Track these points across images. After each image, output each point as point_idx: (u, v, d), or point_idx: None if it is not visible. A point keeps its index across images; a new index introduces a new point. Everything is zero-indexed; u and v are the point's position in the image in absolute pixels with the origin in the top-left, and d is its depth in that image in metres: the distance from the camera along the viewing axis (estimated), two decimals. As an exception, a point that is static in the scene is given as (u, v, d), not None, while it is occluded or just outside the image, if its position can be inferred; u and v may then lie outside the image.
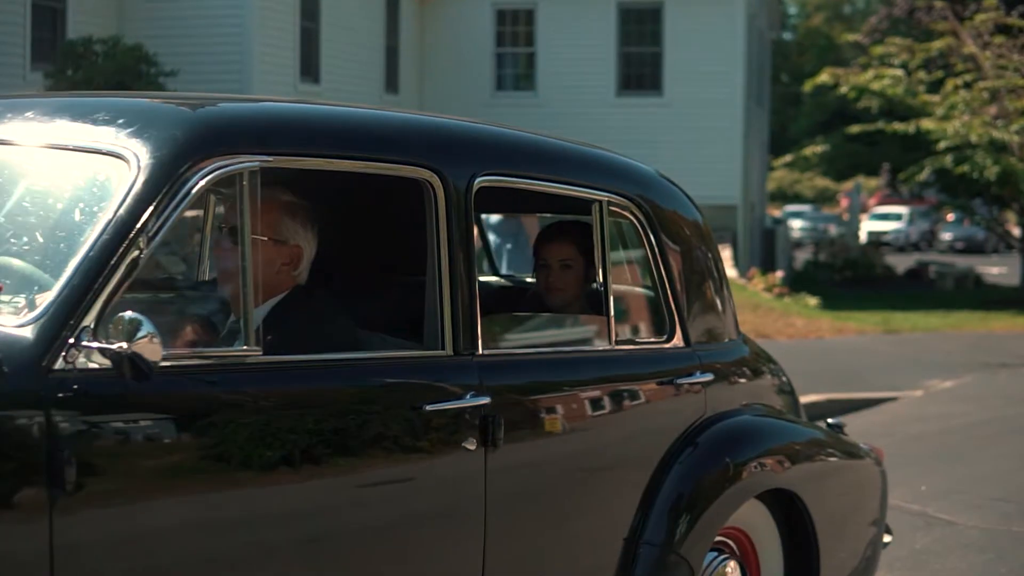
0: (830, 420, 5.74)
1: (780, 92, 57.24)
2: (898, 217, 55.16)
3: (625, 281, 4.92)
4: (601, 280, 4.45)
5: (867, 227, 50.97)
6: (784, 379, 5.64)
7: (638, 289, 4.91)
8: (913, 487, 9.24)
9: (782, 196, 61.51)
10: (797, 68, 66.40)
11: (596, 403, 4.33)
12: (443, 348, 3.87)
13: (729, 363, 5.09)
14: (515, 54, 27.79)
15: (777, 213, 50.35)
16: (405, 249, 4.54)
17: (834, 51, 62.96)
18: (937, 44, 26.39)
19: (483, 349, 3.96)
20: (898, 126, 26.35)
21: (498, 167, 4.12)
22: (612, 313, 4.43)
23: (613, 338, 4.44)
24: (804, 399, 12.95)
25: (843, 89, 27.25)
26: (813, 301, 24.70)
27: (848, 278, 33.59)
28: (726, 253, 25.62)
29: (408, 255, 4.41)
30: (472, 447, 3.79)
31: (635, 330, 4.88)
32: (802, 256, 39.16)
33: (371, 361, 3.79)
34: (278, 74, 21.95)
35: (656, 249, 4.69)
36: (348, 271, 4.92)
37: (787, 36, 64.55)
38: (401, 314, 4.22)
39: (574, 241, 4.92)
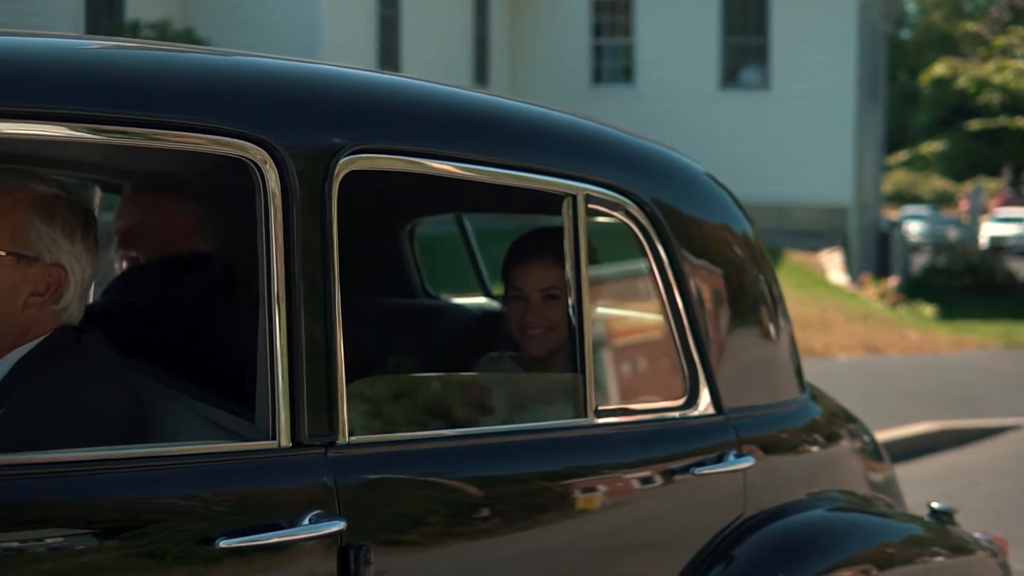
0: (935, 505, 4.12)
1: (898, 91, 55.16)
2: (1020, 220, 52.76)
3: (630, 320, 3.34)
4: (575, 315, 2.89)
5: (988, 231, 48.73)
6: (869, 442, 4.06)
7: (649, 322, 3.32)
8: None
9: (900, 198, 59.36)
10: (916, 66, 64.14)
11: (552, 513, 2.77)
12: (273, 436, 2.33)
13: (785, 434, 3.50)
14: (612, 45, 26.68)
15: (895, 215, 48.42)
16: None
17: (952, 44, 60.62)
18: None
19: (349, 435, 2.41)
20: (1022, 122, 24.54)
21: (384, 138, 2.56)
22: (589, 367, 2.87)
23: (590, 407, 2.87)
24: (915, 428, 11.40)
25: (961, 82, 25.49)
26: (929, 310, 22.98)
27: (967, 285, 31.68)
28: (836, 257, 24.00)
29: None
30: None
31: (633, 392, 3.27)
32: (920, 261, 37.17)
33: (142, 463, 2.24)
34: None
35: (667, 270, 3.13)
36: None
37: (905, 34, 62.38)
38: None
39: (563, 260, 3.31)
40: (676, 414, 3.15)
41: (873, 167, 30.84)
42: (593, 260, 3.04)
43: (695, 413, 3.18)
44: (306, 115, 2.45)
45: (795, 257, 23.28)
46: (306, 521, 2.27)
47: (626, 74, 26.55)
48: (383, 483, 2.45)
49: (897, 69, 58.49)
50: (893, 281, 25.05)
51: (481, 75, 25.45)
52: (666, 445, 3.07)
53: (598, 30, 26.52)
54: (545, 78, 25.91)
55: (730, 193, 3.60)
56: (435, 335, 4.30)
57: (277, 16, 19.51)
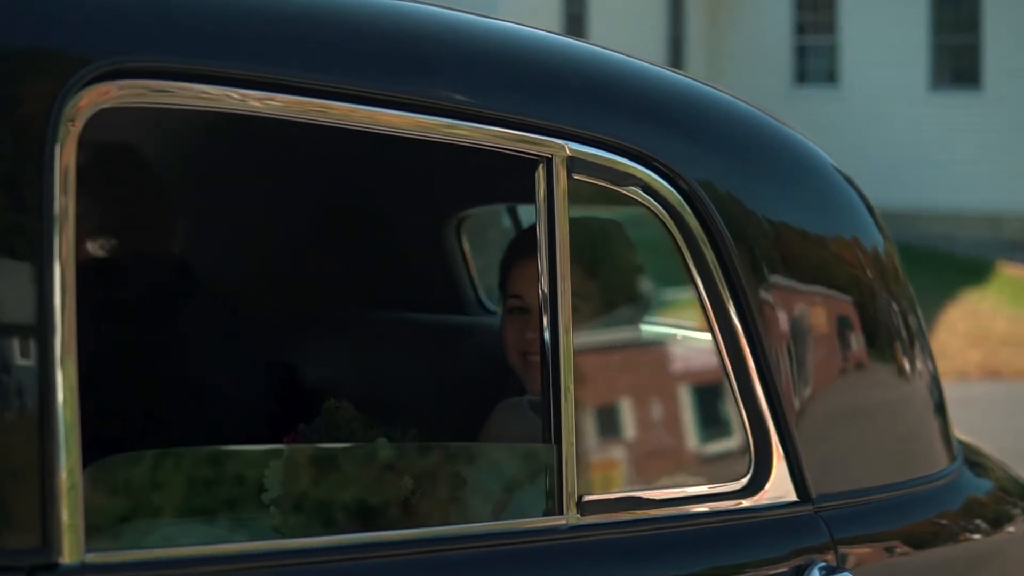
0: None
1: None
2: None
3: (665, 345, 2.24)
4: (550, 351, 1.81)
5: None
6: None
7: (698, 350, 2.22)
8: None
9: None
10: None
11: None
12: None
13: (920, 527, 2.37)
14: (815, 45, 25.71)
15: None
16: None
17: None
18: None
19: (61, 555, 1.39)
20: None
21: (170, 48, 1.53)
22: (567, 429, 1.79)
23: (568, 497, 1.79)
24: None
25: None
26: None
27: None
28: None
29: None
30: None
31: (657, 466, 2.15)
32: None
33: None
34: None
35: (720, 288, 2.03)
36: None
37: None
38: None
39: (581, 259, 2.21)
40: (729, 504, 2.03)
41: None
42: (632, 278, 2.00)
43: (762, 501, 2.08)
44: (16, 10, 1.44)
45: (1010, 270, 21.65)
46: None
47: (829, 74, 25.54)
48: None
49: None
50: None
51: (675, 76, 24.69)
52: (705, 557, 1.96)
53: (800, 28, 25.60)
54: (744, 79, 25.01)
55: (861, 193, 2.51)
56: (469, 363, 3.23)
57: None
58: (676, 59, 24.90)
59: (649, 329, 2.17)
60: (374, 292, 3.32)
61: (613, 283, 2.20)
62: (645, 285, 2.25)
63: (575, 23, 21.53)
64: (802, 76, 25.71)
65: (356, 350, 3.21)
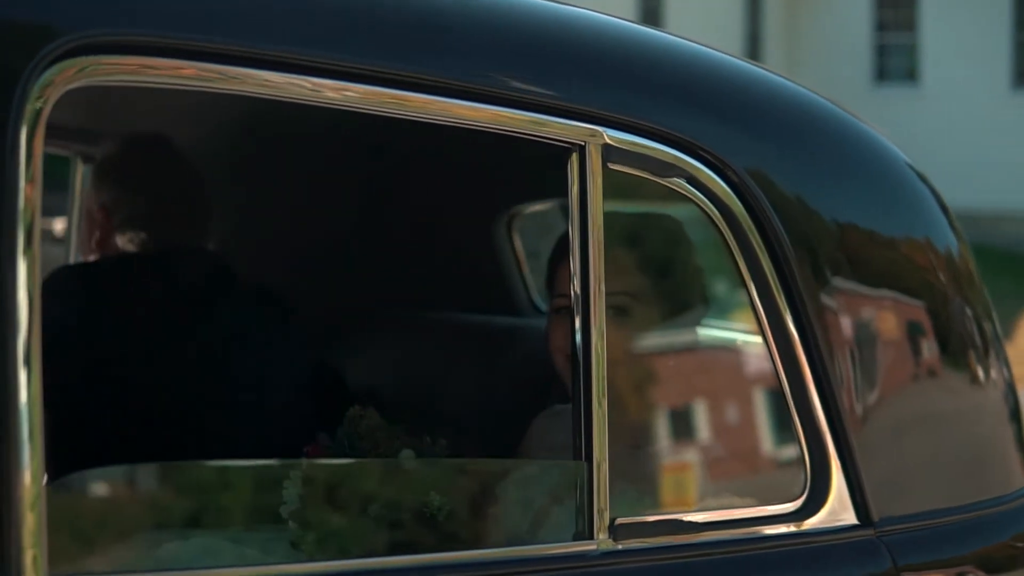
0: None
1: None
2: None
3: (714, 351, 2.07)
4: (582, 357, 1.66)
5: None
6: None
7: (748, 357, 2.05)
8: None
9: None
10: None
11: None
12: None
13: (997, 551, 2.21)
14: (895, 44, 25.55)
15: None
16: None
17: None
18: None
19: None
20: None
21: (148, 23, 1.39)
22: (599, 443, 1.63)
23: (600, 519, 1.63)
24: None
25: None
26: None
27: None
28: None
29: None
30: None
31: (699, 486, 1.98)
32: None
33: None
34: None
35: (774, 291, 1.86)
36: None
37: None
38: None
39: (632, 255, 2.07)
40: (782, 527, 1.86)
41: None
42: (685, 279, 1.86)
43: (819, 525, 1.91)
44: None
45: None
46: None
47: (909, 73, 25.38)
48: None
49: None
50: None
51: (752, 74, 24.65)
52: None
53: (881, 26, 25.42)
54: (823, 77, 24.82)
55: (934, 192, 2.36)
56: (515, 368, 3.07)
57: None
58: (753, 56, 24.76)
59: (694, 333, 2.00)
60: (415, 291, 3.17)
61: (665, 283, 2.04)
62: (698, 287, 2.09)
63: (651, 17, 21.50)
64: (881, 75, 25.53)
65: (393, 352, 3.07)
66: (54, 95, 1.32)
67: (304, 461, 1.91)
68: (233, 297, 2.79)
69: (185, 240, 2.77)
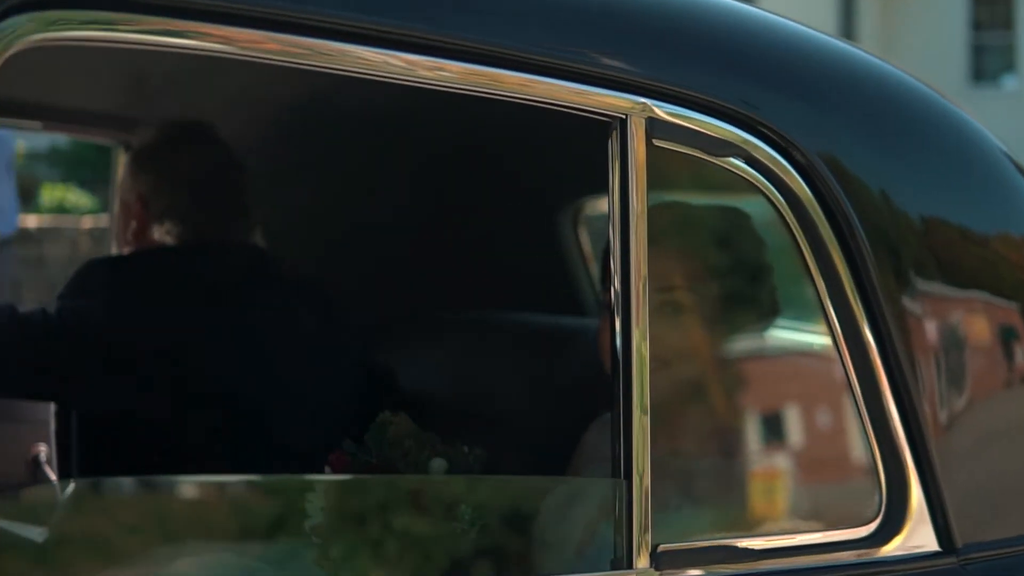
0: None
1: None
2: None
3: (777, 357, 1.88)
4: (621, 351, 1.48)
5: None
6: None
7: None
8: None
9: None
10: None
11: None
12: None
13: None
14: (992, 42, 25.46)
15: None
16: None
17: None
18: None
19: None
20: None
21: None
22: (642, 458, 1.46)
23: (642, 542, 1.44)
24: None
25: None
26: None
27: None
28: None
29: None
30: None
31: (757, 507, 1.78)
32: None
33: None
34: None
35: (847, 284, 1.67)
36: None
37: None
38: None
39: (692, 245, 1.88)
40: (853, 555, 1.67)
41: None
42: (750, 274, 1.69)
43: (895, 553, 1.72)
44: None
45: None
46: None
47: (1008, 70, 25.19)
48: None
49: None
50: None
51: (845, 73, 24.66)
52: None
53: (977, 25, 25.34)
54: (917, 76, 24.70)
55: (1007, 155, 2.14)
56: (570, 372, 2.90)
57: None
58: (846, 56, 24.69)
59: (752, 335, 1.80)
60: (464, 289, 3.02)
61: (719, 279, 1.85)
62: (758, 283, 1.89)
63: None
64: (978, 74, 25.34)
65: (439, 354, 2.93)
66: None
67: (327, 475, 1.79)
68: (274, 292, 2.69)
69: (225, 233, 2.68)
